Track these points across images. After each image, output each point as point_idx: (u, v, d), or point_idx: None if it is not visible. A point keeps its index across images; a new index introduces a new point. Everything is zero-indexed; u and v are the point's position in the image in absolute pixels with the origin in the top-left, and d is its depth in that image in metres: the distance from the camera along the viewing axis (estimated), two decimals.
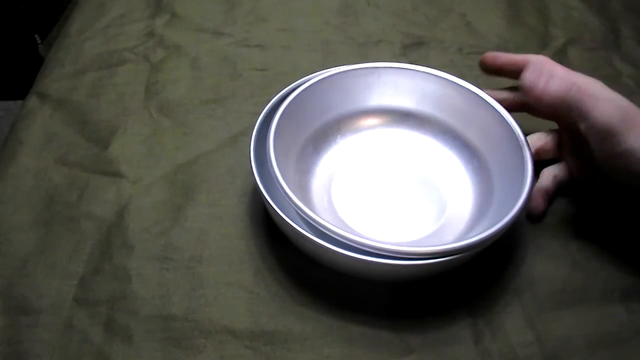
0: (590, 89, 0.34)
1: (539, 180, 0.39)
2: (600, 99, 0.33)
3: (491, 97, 0.39)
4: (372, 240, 0.31)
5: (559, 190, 0.39)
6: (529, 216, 0.39)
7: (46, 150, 0.44)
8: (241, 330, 0.34)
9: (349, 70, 0.41)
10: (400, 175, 0.41)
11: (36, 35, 1.17)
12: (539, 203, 0.39)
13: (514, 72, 0.40)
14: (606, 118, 0.33)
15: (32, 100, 0.49)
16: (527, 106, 0.40)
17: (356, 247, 0.31)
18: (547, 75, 0.37)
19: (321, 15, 0.57)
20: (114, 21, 0.57)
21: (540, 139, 0.40)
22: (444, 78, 0.40)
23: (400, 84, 0.42)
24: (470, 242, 0.31)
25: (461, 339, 0.33)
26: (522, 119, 0.38)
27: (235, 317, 0.34)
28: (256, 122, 0.38)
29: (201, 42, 0.54)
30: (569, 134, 0.38)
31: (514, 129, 0.37)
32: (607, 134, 0.33)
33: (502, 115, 0.38)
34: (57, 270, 0.37)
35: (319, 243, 0.31)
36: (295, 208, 0.33)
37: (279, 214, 0.33)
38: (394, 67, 0.41)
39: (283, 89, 0.40)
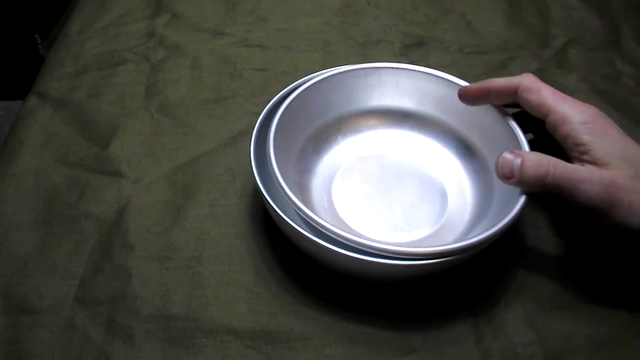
0: (568, 173, 0.31)
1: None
2: (579, 180, 0.31)
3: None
4: (372, 240, 0.31)
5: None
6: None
7: (46, 150, 0.44)
8: (242, 330, 0.34)
9: (349, 70, 0.41)
10: (400, 176, 0.41)
11: (36, 35, 1.17)
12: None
13: (503, 100, 0.37)
14: (588, 201, 0.31)
15: (32, 100, 0.49)
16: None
17: (356, 247, 0.31)
18: (521, 158, 0.33)
19: (321, 15, 0.57)
20: (114, 21, 0.57)
21: None
22: (444, 78, 0.40)
23: (401, 84, 0.42)
24: (470, 242, 0.31)
25: (462, 339, 0.33)
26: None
27: (236, 317, 0.34)
28: (256, 122, 0.38)
29: (201, 42, 0.54)
30: None
31: (514, 130, 0.37)
32: (592, 214, 0.32)
33: (502, 116, 0.38)
34: (57, 270, 0.37)
35: (319, 243, 0.31)
36: (295, 208, 0.33)
37: (279, 214, 0.33)
38: (395, 67, 0.41)
39: (283, 89, 0.40)
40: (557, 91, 0.35)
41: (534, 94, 0.35)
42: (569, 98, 0.34)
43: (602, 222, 0.32)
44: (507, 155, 0.33)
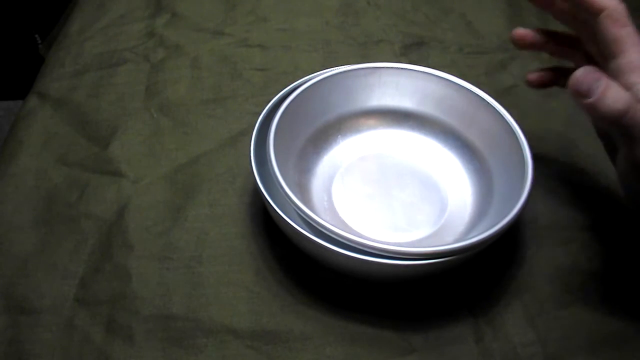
0: None
1: None
2: None
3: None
4: (372, 240, 0.31)
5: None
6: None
7: (46, 150, 0.44)
8: (242, 330, 0.34)
9: (349, 70, 0.41)
10: (400, 176, 0.41)
11: (36, 35, 1.17)
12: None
13: (578, 10, 0.32)
14: None
15: (32, 100, 0.49)
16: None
17: (356, 247, 0.31)
18: (605, 83, 0.28)
19: (321, 15, 0.57)
20: (114, 21, 0.57)
21: None
22: (444, 78, 0.40)
23: (401, 84, 0.42)
24: (470, 242, 0.31)
25: (462, 339, 0.33)
26: (522, 119, 0.38)
27: (236, 317, 0.34)
28: (256, 122, 0.38)
29: (201, 42, 0.54)
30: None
31: (514, 130, 0.37)
32: None
33: (502, 116, 0.38)
34: (57, 270, 0.37)
35: (319, 243, 0.31)
36: (295, 208, 0.33)
37: (279, 214, 0.33)
38: (395, 67, 0.41)
39: (283, 89, 0.40)
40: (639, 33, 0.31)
41: (616, 28, 0.31)
42: None
43: None
44: (590, 72, 0.28)
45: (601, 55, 0.32)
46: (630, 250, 0.37)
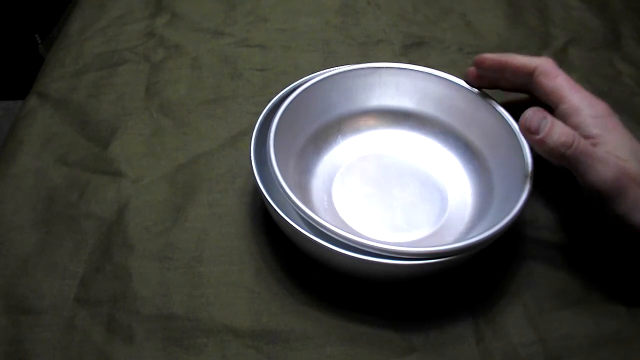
0: (588, 150, 0.31)
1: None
2: (598, 160, 0.31)
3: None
4: (372, 240, 0.31)
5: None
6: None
7: (46, 150, 0.44)
8: (242, 330, 0.34)
9: (349, 70, 0.41)
10: (400, 176, 0.41)
11: (36, 35, 1.17)
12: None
13: (517, 78, 0.37)
14: (599, 183, 0.31)
15: (32, 100, 0.49)
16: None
17: (356, 247, 0.31)
18: (551, 121, 0.32)
19: (321, 15, 0.57)
20: (114, 21, 0.57)
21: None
22: (444, 78, 0.40)
23: (401, 84, 0.42)
24: (470, 242, 0.31)
25: (463, 339, 0.33)
26: None
27: (237, 316, 0.34)
28: (256, 122, 0.38)
29: (201, 42, 0.54)
30: None
31: (514, 130, 0.37)
32: (598, 198, 0.32)
33: (502, 116, 0.38)
34: (57, 269, 0.37)
35: (319, 243, 0.31)
36: (295, 208, 0.33)
37: (279, 214, 0.33)
38: (395, 67, 0.41)
39: (283, 89, 0.40)
40: (572, 81, 0.35)
41: (550, 80, 0.35)
42: (583, 90, 0.34)
43: (606, 210, 0.32)
44: (538, 112, 0.33)
45: (550, 107, 0.35)
46: (630, 251, 0.37)
